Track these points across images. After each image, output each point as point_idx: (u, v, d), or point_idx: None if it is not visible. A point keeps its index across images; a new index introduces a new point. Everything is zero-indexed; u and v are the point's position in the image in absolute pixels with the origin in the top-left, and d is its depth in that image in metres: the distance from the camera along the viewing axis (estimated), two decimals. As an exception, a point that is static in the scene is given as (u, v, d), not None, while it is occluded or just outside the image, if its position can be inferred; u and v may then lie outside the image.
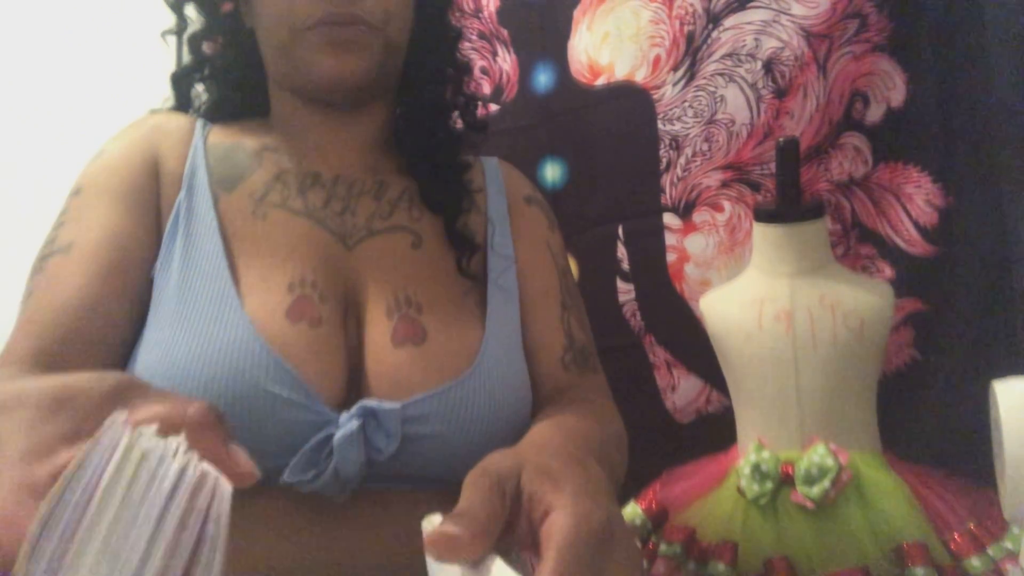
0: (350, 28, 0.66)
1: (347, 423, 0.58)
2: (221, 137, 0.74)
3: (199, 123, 0.75)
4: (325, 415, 0.59)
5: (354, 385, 0.63)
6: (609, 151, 1.06)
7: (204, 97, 0.81)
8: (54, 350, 0.59)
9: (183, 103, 0.80)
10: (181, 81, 0.80)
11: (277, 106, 0.77)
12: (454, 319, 0.69)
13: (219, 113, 0.79)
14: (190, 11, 0.79)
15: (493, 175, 0.83)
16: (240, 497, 0.57)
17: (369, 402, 0.60)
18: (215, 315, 0.60)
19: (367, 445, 0.59)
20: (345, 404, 0.61)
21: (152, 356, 0.60)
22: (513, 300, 0.75)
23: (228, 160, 0.72)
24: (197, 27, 0.78)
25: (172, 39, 0.80)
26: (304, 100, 0.73)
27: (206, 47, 0.79)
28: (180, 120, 0.75)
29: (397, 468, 0.61)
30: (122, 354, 0.63)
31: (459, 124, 0.85)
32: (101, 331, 0.62)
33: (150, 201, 0.68)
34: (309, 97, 0.73)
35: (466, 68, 0.84)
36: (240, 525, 0.55)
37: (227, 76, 0.80)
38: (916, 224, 0.91)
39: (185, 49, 0.79)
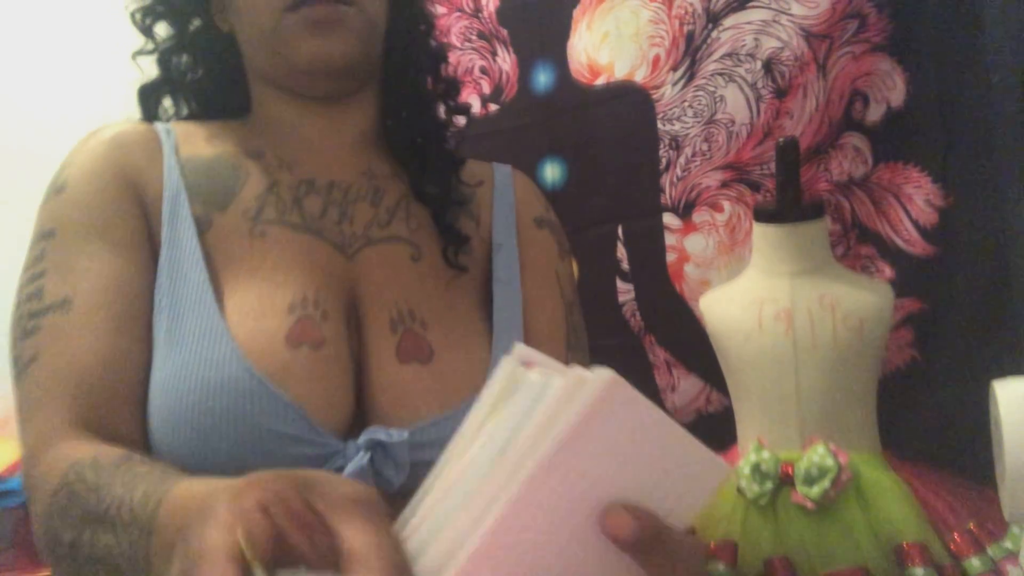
0: (328, 7, 0.64)
1: (355, 457, 0.56)
2: (194, 146, 0.70)
3: (161, 130, 0.70)
4: (331, 446, 0.57)
5: (358, 404, 0.61)
6: (609, 151, 1.06)
7: (171, 112, 0.77)
8: (97, 416, 0.57)
9: (150, 118, 0.76)
10: (149, 95, 0.76)
11: (261, 106, 0.74)
12: (460, 337, 0.66)
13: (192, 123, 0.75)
14: (161, 29, 0.75)
15: (503, 184, 0.80)
16: None
17: (377, 433, 0.57)
18: (205, 355, 0.57)
19: (376, 477, 0.57)
20: (350, 426, 0.59)
21: (155, 403, 0.58)
22: (517, 317, 0.72)
23: (213, 176, 0.68)
24: (169, 43, 0.75)
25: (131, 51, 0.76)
26: (290, 95, 0.71)
27: (177, 62, 0.76)
28: (139, 130, 0.69)
29: (406, 492, 0.59)
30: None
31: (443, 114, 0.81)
32: (132, 385, 0.59)
33: (139, 231, 0.64)
34: (295, 89, 0.70)
35: (442, 55, 0.81)
36: None
37: (202, 89, 0.77)
38: (916, 224, 0.91)
39: (155, 64, 0.75)
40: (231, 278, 0.63)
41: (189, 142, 0.70)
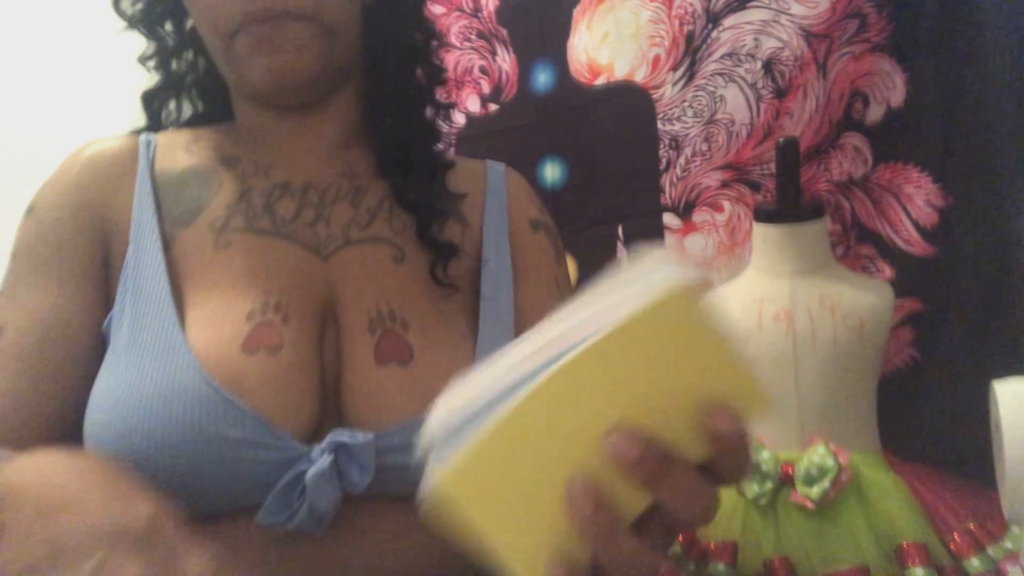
0: (274, 25, 0.62)
1: (319, 459, 0.55)
2: (171, 158, 0.69)
3: (142, 143, 0.70)
4: (294, 450, 0.56)
5: (328, 407, 0.60)
6: (609, 151, 1.06)
7: (175, 115, 0.77)
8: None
9: (155, 123, 0.76)
10: (152, 99, 0.76)
11: (239, 112, 0.73)
12: (442, 340, 0.64)
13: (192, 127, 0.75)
14: (159, 30, 0.74)
15: (496, 184, 0.78)
16: (215, 533, 0.56)
17: (340, 435, 0.56)
18: (163, 367, 0.57)
19: (341, 479, 0.56)
20: (317, 431, 0.58)
21: (107, 416, 0.58)
22: (507, 324, 0.70)
23: (182, 191, 0.67)
24: (167, 44, 0.74)
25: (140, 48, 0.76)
26: (261, 104, 0.70)
27: (177, 64, 0.75)
28: (119, 147, 0.69)
29: (373, 494, 0.58)
30: (60, 433, 0.61)
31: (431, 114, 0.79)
32: (29, 424, 0.60)
33: (91, 265, 0.65)
34: (261, 101, 0.69)
35: (432, 32, 0.77)
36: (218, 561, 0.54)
37: (200, 90, 0.76)
38: (916, 224, 0.91)
39: (155, 67, 0.75)
40: (193, 291, 0.62)
41: (168, 153, 0.70)
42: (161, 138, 0.71)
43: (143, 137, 0.71)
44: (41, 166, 0.76)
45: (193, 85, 0.77)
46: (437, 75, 0.78)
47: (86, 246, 0.65)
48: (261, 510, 0.55)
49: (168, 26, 0.74)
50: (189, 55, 0.76)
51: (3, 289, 0.65)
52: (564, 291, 0.77)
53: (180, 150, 0.70)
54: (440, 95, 0.79)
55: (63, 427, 0.61)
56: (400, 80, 0.73)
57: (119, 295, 0.63)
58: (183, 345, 0.58)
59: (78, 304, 0.63)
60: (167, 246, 0.64)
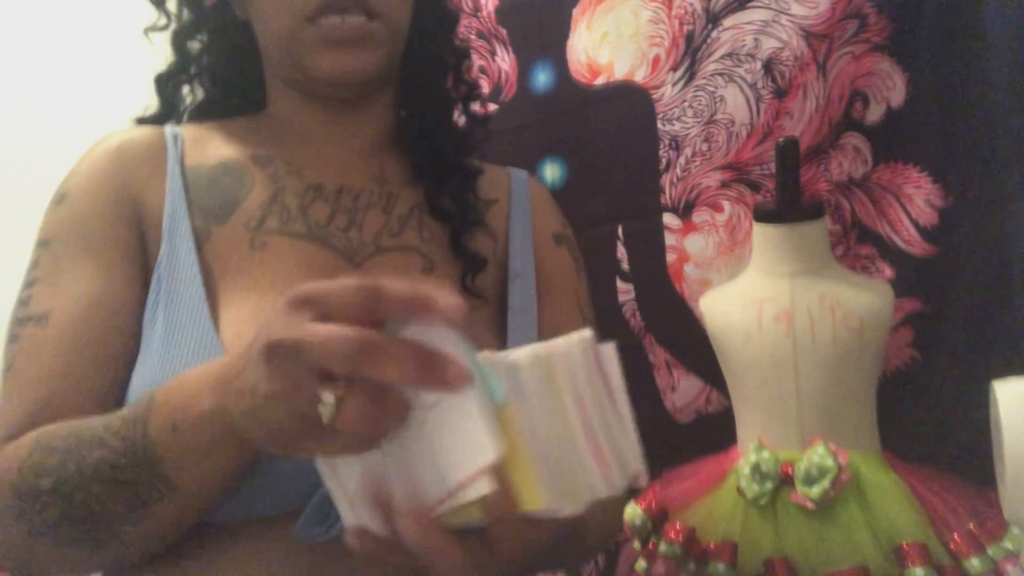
0: (351, 21, 0.63)
1: None
2: (201, 153, 0.68)
3: (169, 136, 0.69)
4: None
5: None
6: (609, 151, 1.06)
7: (188, 100, 0.76)
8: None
9: (168, 107, 0.75)
10: (166, 83, 0.75)
11: (276, 104, 0.73)
12: None
13: (206, 116, 0.74)
14: (174, 7, 0.74)
15: (520, 193, 0.78)
16: (244, 544, 0.55)
17: None
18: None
19: None
20: None
21: None
22: (532, 338, 0.71)
23: (216, 187, 0.67)
24: (183, 24, 0.74)
25: (156, 38, 0.75)
26: (305, 96, 0.70)
27: (192, 45, 0.75)
28: (147, 139, 0.68)
29: None
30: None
31: (462, 122, 0.80)
32: (87, 405, 0.59)
33: (130, 250, 0.64)
34: (310, 92, 0.69)
35: (465, 53, 0.79)
36: (247, 571, 0.54)
37: (216, 75, 0.75)
38: (916, 224, 0.91)
39: (170, 48, 0.74)
40: (228, 291, 0.62)
41: (197, 148, 0.69)
42: (186, 131, 0.70)
43: (169, 130, 0.70)
44: (43, 158, 0.75)
45: (207, 69, 0.76)
46: (472, 88, 0.78)
47: (126, 233, 0.65)
48: (298, 522, 0.55)
49: (186, 5, 0.74)
50: (204, 37, 0.75)
51: (40, 277, 0.63)
52: (584, 307, 0.77)
53: (209, 144, 0.70)
54: (474, 108, 0.79)
55: (116, 405, 0.60)
56: (437, 87, 0.75)
57: (152, 291, 0.62)
58: (219, 348, 0.58)
59: (123, 292, 0.63)
60: (200, 243, 0.64)
